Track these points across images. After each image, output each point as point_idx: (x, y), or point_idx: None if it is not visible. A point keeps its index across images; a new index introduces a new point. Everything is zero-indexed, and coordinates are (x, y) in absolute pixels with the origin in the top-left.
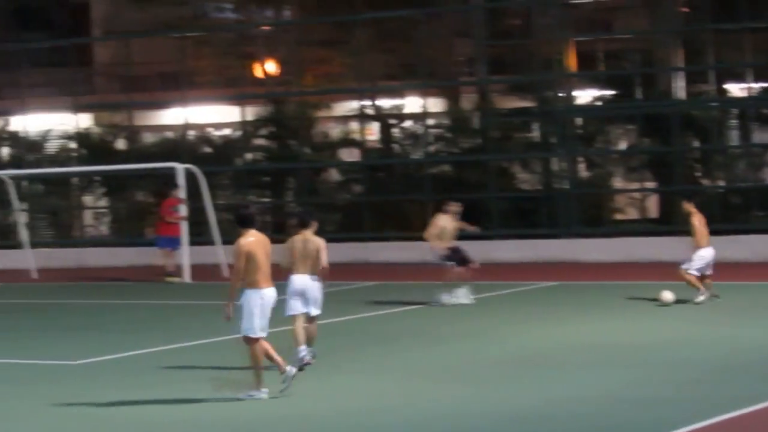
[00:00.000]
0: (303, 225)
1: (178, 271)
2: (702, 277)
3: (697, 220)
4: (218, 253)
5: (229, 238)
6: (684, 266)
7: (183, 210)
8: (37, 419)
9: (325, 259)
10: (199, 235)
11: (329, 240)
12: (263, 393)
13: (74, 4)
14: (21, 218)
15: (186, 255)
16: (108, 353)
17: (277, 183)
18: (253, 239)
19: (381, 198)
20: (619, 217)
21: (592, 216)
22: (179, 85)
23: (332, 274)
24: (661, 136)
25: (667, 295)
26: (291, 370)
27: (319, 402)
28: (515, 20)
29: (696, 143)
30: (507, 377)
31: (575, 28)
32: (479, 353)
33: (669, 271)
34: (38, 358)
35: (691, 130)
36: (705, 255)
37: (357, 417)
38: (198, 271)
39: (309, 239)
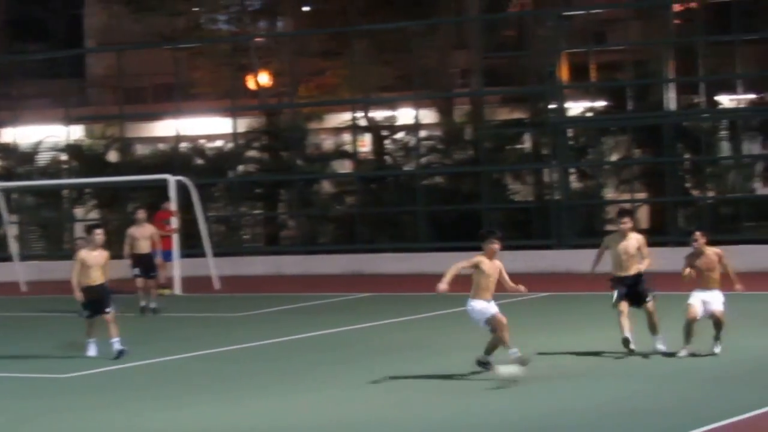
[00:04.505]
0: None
1: (169, 283)
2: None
3: None
4: (210, 266)
5: (222, 250)
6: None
7: (174, 222)
8: None
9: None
10: (192, 248)
11: (323, 252)
12: None
13: (69, 16)
14: (11, 231)
15: (177, 267)
16: (98, 366)
17: (270, 195)
18: None
19: (374, 209)
20: (611, 227)
21: (585, 227)
22: (173, 96)
23: (326, 285)
24: (654, 148)
25: (509, 370)
26: None
27: (312, 414)
28: (510, 32)
29: (687, 154)
30: (500, 389)
31: (569, 40)
32: (473, 365)
33: (661, 281)
34: (28, 372)
35: (683, 141)
36: None
37: (349, 429)
38: (190, 283)
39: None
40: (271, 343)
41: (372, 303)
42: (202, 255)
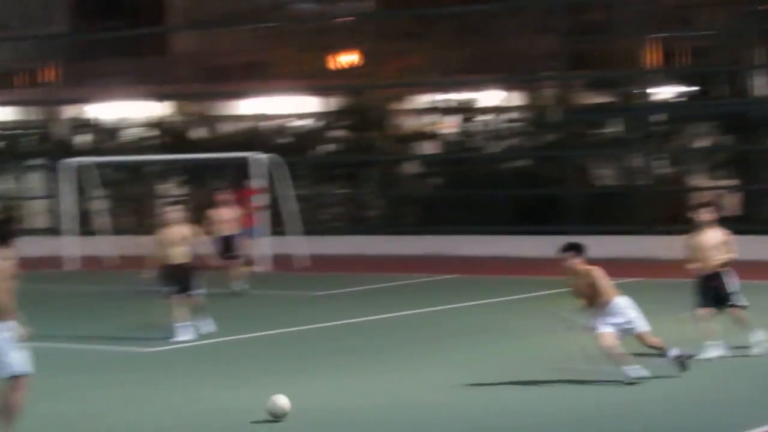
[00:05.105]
0: None
1: (253, 261)
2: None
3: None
4: (297, 244)
5: (307, 228)
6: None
7: (261, 199)
8: (111, 406)
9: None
10: (278, 225)
11: (406, 232)
12: None
13: None
14: (100, 205)
15: (266, 245)
16: (178, 342)
17: (354, 175)
18: None
19: (459, 192)
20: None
21: (672, 213)
22: (258, 75)
23: (408, 266)
24: (743, 134)
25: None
26: None
27: (382, 395)
28: (596, 16)
29: None
30: (572, 376)
31: (657, 24)
32: (548, 351)
33: (748, 270)
34: (113, 344)
35: None
36: None
37: (417, 411)
38: (275, 261)
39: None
40: (351, 323)
41: (452, 285)
42: (283, 233)
